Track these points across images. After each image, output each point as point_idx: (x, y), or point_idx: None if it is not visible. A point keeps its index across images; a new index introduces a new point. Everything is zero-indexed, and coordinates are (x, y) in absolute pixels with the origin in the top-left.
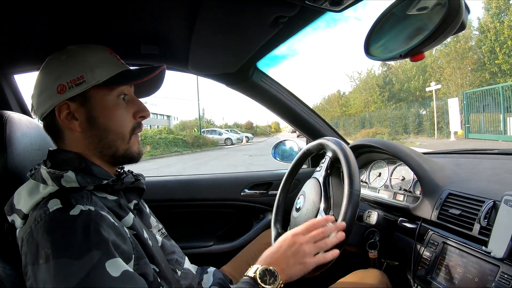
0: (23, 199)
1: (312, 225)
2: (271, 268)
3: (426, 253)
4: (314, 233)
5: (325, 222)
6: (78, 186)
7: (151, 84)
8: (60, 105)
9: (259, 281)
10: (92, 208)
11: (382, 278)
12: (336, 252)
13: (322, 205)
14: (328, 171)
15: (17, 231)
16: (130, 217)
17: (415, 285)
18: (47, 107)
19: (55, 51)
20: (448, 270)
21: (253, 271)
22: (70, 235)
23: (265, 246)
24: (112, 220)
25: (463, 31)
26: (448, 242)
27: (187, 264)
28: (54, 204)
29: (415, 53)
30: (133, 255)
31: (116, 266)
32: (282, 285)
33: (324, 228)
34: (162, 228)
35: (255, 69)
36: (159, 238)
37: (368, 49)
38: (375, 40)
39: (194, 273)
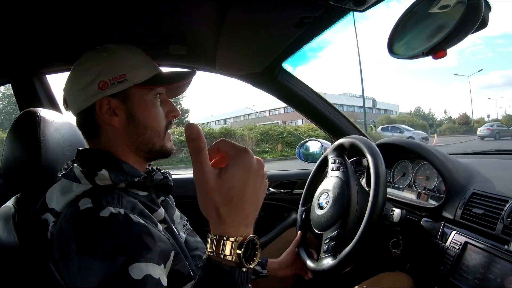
0: (56, 198)
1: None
2: (246, 238)
3: (449, 253)
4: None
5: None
6: (112, 184)
7: (179, 86)
8: (101, 101)
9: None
10: (122, 212)
11: (408, 282)
12: None
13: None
14: (353, 170)
15: (50, 226)
16: (162, 211)
17: (436, 284)
18: (87, 102)
19: (86, 52)
20: (470, 270)
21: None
22: (97, 236)
23: (289, 245)
24: (142, 221)
25: None
26: (471, 242)
27: None
28: (85, 203)
29: (437, 51)
30: (173, 251)
31: (140, 270)
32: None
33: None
34: (187, 224)
35: (280, 69)
36: (183, 234)
37: (392, 48)
38: (398, 38)
39: None
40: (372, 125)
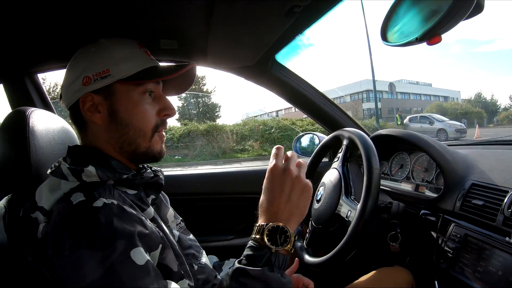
0: (45, 196)
1: (277, 153)
2: (275, 225)
3: (449, 246)
4: (291, 155)
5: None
6: (99, 180)
7: (181, 82)
8: (84, 97)
9: (269, 244)
10: (115, 202)
11: (408, 277)
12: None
13: (343, 191)
14: (347, 159)
15: (41, 226)
16: (151, 210)
17: (436, 278)
18: (72, 98)
19: (77, 49)
20: (470, 263)
21: (261, 235)
22: (94, 226)
23: None
24: (134, 212)
25: None
26: (471, 234)
27: (204, 258)
28: (78, 197)
29: (431, 36)
30: (161, 244)
31: (141, 255)
32: (294, 235)
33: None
34: (180, 222)
35: (273, 62)
36: (176, 232)
37: (385, 36)
38: (391, 25)
39: (211, 267)
40: (397, 116)
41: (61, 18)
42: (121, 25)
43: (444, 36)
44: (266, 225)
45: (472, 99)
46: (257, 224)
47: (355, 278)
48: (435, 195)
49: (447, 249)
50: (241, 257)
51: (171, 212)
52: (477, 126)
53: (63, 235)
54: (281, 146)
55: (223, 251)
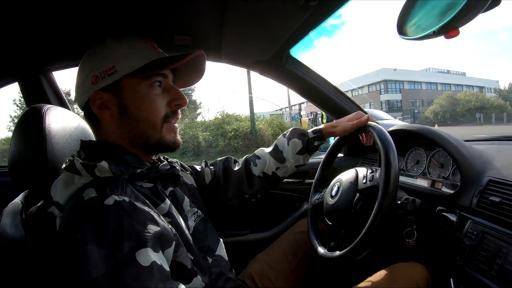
0: (59, 191)
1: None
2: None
3: (465, 243)
4: None
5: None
6: (112, 175)
7: (192, 73)
8: (94, 95)
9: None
10: (127, 199)
11: (423, 273)
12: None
13: (361, 177)
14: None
15: (57, 221)
16: (167, 204)
17: (452, 275)
18: (83, 98)
19: (91, 46)
20: (487, 260)
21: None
22: (102, 224)
23: (301, 235)
24: (147, 209)
25: None
26: (488, 231)
27: (220, 250)
28: (89, 193)
29: (449, 30)
30: (174, 241)
31: (147, 256)
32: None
33: None
34: (197, 211)
35: (288, 57)
36: (192, 223)
37: (401, 29)
38: (408, 19)
39: (226, 259)
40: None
41: (74, 16)
42: (133, 22)
43: (462, 28)
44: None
45: (506, 88)
46: None
47: (370, 273)
48: (452, 192)
49: (463, 246)
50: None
51: (186, 200)
52: (436, 125)
53: (73, 230)
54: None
55: (238, 247)
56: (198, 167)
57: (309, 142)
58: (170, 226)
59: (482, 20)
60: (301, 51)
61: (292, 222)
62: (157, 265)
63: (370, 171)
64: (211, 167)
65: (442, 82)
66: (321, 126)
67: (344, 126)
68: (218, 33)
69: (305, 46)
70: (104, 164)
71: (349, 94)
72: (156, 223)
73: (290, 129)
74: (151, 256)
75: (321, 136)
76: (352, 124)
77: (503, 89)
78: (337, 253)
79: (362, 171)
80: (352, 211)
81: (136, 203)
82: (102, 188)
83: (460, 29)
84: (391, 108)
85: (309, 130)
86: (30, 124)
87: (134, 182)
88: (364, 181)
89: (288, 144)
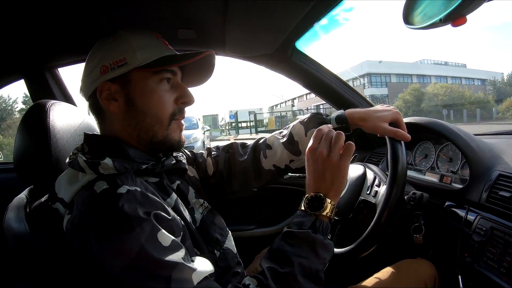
0: (64, 187)
1: (316, 135)
2: (313, 195)
3: (474, 239)
4: (324, 138)
5: (327, 128)
6: (116, 172)
7: (201, 71)
8: (102, 86)
9: (309, 211)
10: (138, 189)
11: (431, 270)
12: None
13: (366, 182)
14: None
15: (65, 218)
16: (173, 199)
17: (460, 272)
18: (90, 88)
19: (95, 41)
20: (496, 257)
21: (301, 205)
22: (120, 211)
23: None
24: (158, 199)
25: None
26: (497, 227)
27: (229, 242)
28: (101, 186)
29: (456, 17)
30: (182, 232)
31: (166, 236)
32: (333, 204)
33: (327, 130)
34: (204, 202)
35: (293, 50)
36: (198, 216)
37: (408, 19)
38: (414, 7)
39: (234, 252)
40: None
41: (78, 11)
42: (138, 16)
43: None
44: (306, 196)
45: (504, 80)
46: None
47: (377, 269)
48: (460, 186)
49: (472, 242)
50: (290, 224)
51: (191, 191)
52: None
53: (91, 224)
54: (322, 128)
55: (244, 241)
56: (199, 157)
57: None
58: (178, 218)
59: (497, 12)
60: (307, 43)
61: None
62: (177, 242)
63: (377, 181)
64: (213, 156)
65: (437, 75)
66: (346, 112)
67: (376, 125)
68: (221, 26)
69: (310, 38)
70: (108, 161)
71: None
72: (166, 212)
73: (309, 115)
74: (169, 236)
75: (346, 128)
76: (386, 129)
77: (501, 80)
78: (343, 249)
79: (370, 174)
80: (352, 215)
81: (147, 193)
82: (112, 180)
83: (474, 21)
84: (375, 103)
85: (332, 116)
86: (34, 120)
87: (139, 177)
88: (368, 191)
89: (306, 135)
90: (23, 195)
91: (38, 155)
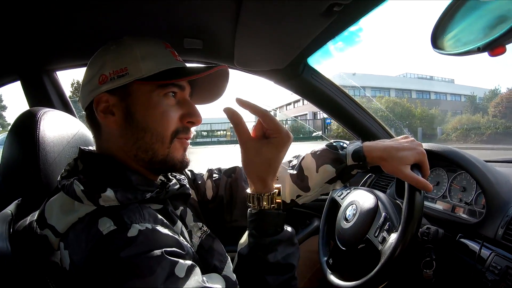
0: (56, 215)
1: None
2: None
3: (487, 277)
4: None
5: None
6: (119, 204)
7: (211, 89)
8: (99, 97)
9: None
10: (150, 226)
11: None
12: None
13: (378, 215)
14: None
15: (63, 254)
16: (178, 227)
17: None
18: (87, 98)
19: (97, 46)
20: None
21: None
22: (135, 256)
23: (311, 254)
24: (170, 233)
25: None
26: None
27: (228, 269)
28: (107, 225)
29: (494, 47)
30: (192, 260)
31: (182, 267)
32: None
33: None
34: (203, 226)
35: (305, 66)
36: (196, 241)
37: (436, 42)
38: (445, 31)
39: (234, 280)
40: None
41: (80, 14)
42: (142, 22)
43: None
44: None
45: (479, 96)
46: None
47: None
48: (475, 220)
49: (485, 281)
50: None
51: (189, 214)
52: None
53: (102, 270)
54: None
55: None
56: (199, 179)
57: (345, 171)
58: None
59: None
60: (319, 60)
61: (301, 239)
62: (190, 267)
63: (387, 225)
64: (214, 179)
65: (420, 90)
66: (364, 147)
67: (396, 168)
68: (231, 37)
69: (323, 55)
70: (109, 193)
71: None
72: (182, 247)
73: (322, 147)
74: (184, 265)
75: (363, 165)
76: (407, 176)
77: (483, 96)
78: (352, 283)
79: (381, 209)
80: (367, 239)
81: (158, 228)
82: (118, 217)
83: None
84: None
85: (348, 150)
86: (23, 128)
87: (142, 205)
88: (375, 233)
89: (317, 172)
90: (8, 210)
91: (26, 168)
